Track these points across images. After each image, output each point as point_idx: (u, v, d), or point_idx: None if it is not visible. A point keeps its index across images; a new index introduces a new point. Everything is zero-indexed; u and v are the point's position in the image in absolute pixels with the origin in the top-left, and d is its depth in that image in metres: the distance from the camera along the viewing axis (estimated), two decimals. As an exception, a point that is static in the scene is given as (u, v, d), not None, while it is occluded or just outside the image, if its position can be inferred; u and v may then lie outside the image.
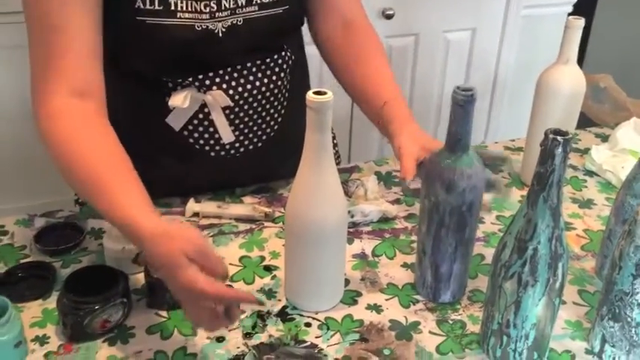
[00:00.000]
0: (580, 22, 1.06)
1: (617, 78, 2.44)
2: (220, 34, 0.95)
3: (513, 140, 1.35)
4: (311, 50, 1.15)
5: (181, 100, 0.97)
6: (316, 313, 0.87)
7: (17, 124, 1.94)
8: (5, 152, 2.00)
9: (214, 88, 0.98)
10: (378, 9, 2.12)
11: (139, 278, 0.90)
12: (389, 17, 2.13)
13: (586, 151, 1.28)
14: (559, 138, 0.67)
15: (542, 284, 0.73)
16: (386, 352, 0.81)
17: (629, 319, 0.76)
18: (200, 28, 0.93)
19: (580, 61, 1.13)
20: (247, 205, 1.08)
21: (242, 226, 1.04)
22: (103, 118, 0.88)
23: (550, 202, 0.71)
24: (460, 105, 0.77)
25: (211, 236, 1.01)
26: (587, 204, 1.13)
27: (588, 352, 0.82)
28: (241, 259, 0.97)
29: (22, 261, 0.94)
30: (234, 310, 0.75)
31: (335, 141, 1.25)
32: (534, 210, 0.72)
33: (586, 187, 1.19)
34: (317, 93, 0.76)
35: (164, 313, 0.86)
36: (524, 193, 1.15)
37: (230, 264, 0.96)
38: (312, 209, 0.81)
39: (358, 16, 1.12)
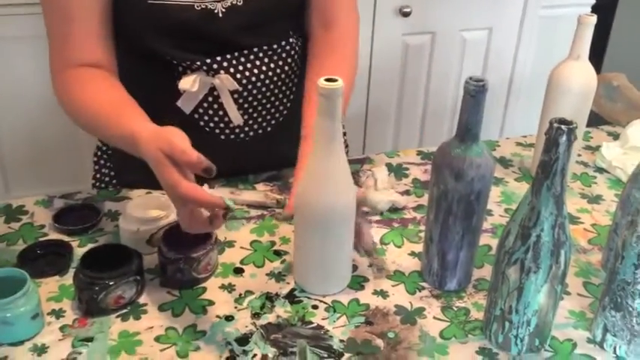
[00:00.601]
0: (592, 19, 1.07)
1: (637, 77, 2.43)
2: (220, 14, 0.98)
3: (525, 137, 1.36)
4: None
5: (190, 84, 1.00)
6: (324, 297, 0.89)
7: (37, 114, 1.98)
8: (26, 142, 2.04)
9: (222, 72, 1.01)
10: (395, 6, 2.13)
11: (153, 258, 0.92)
12: (406, 15, 2.15)
13: (597, 148, 1.28)
14: (563, 127, 0.69)
15: (544, 271, 0.74)
16: (390, 335, 0.83)
17: (630, 309, 0.77)
18: (200, 8, 0.96)
19: (600, 61, 1.13)
20: (259, 192, 1.10)
21: (254, 212, 1.06)
22: (113, 76, 0.97)
23: (554, 190, 0.72)
24: (471, 95, 0.79)
25: (224, 221, 1.04)
26: (595, 199, 1.14)
27: (590, 341, 0.83)
28: (252, 243, 0.99)
29: (40, 239, 0.97)
30: (219, 218, 0.80)
31: (344, 130, 1.26)
32: (538, 198, 0.73)
33: (595, 183, 1.19)
34: (328, 80, 0.77)
35: (176, 292, 0.89)
36: (534, 187, 1.17)
37: (241, 247, 0.98)
38: (322, 195, 0.83)
39: (342, 20, 1.10)
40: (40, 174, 2.09)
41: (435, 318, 0.86)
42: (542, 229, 0.73)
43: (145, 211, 0.96)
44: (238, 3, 0.98)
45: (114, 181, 1.17)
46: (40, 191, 2.02)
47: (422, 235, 1.02)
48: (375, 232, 1.03)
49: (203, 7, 0.97)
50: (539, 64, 2.40)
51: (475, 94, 0.79)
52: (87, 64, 0.95)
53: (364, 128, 2.31)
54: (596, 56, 1.11)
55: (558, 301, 0.78)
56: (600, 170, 1.24)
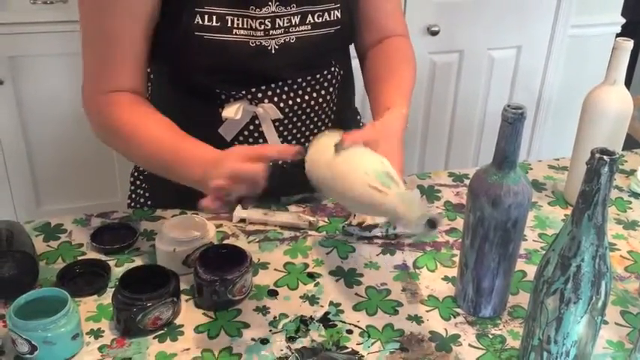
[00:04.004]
0: (629, 44, 1.06)
1: (666, 100, 2.41)
2: (273, 51, 0.99)
3: (557, 159, 1.35)
4: (355, 63, 1.18)
5: (234, 112, 1.01)
6: (357, 322, 0.89)
7: (69, 129, 2.02)
8: (56, 157, 2.08)
9: (266, 101, 1.02)
10: (423, 25, 2.14)
11: (188, 279, 0.93)
12: (434, 34, 2.15)
13: (632, 172, 1.27)
14: (605, 157, 0.68)
15: (584, 302, 0.74)
16: (426, 362, 0.83)
17: (672, 341, 0.76)
18: (254, 45, 0.97)
19: (628, 83, 1.13)
20: (292, 214, 1.11)
21: (287, 234, 1.07)
22: (148, 104, 0.98)
23: (595, 220, 0.72)
24: (509, 122, 0.79)
25: (257, 242, 1.05)
26: (631, 225, 1.13)
27: (629, 372, 0.82)
28: (285, 265, 1.00)
29: (79, 258, 0.99)
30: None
31: (359, 116, 1.26)
32: (579, 227, 0.72)
33: (631, 208, 1.18)
34: None
35: (211, 314, 0.89)
36: (568, 212, 1.16)
37: (275, 269, 0.99)
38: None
39: (398, 32, 1.13)
40: (71, 188, 2.13)
41: (470, 345, 0.86)
42: (583, 259, 0.73)
43: (181, 232, 0.97)
44: (291, 40, 0.99)
45: (149, 202, 1.19)
46: (71, 205, 2.09)
47: (455, 259, 1.02)
48: (408, 256, 1.03)
49: (258, 43, 0.97)
50: (568, 83, 2.39)
51: (513, 121, 0.80)
52: (124, 89, 0.96)
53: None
54: (625, 78, 1.10)
55: (598, 332, 0.77)
56: (635, 195, 1.22)
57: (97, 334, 0.85)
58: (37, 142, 2.05)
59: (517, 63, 2.33)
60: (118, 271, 0.96)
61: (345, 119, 1.16)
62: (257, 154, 0.81)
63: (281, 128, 1.05)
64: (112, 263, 0.98)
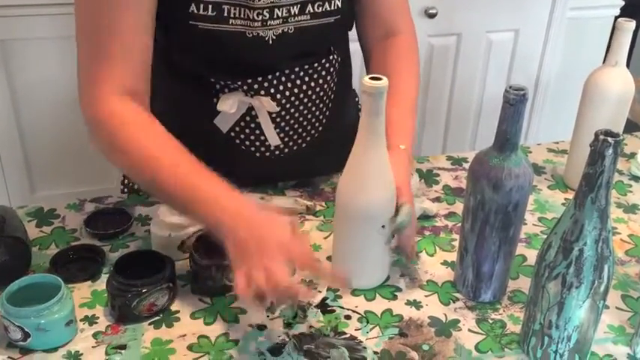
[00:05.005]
0: (630, 25, 1.05)
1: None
2: (271, 42, 0.95)
3: (557, 143, 1.34)
4: (354, 47, 1.15)
5: (229, 106, 0.98)
6: (356, 307, 0.88)
7: (61, 114, 1.98)
8: (50, 141, 2.05)
9: (262, 92, 0.99)
10: (421, 8, 2.11)
11: (184, 265, 0.92)
12: (431, 16, 2.13)
13: (632, 155, 1.26)
14: (610, 139, 0.67)
15: (586, 286, 0.73)
16: (425, 347, 0.82)
17: (674, 326, 0.76)
18: (251, 35, 0.94)
19: (627, 64, 1.11)
20: (289, 198, 1.09)
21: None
22: (150, 115, 0.89)
23: (598, 203, 0.70)
24: (511, 104, 0.77)
25: (254, 227, 1.03)
26: (631, 209, 1.12)
27: (631, 357, 0.81)
28: (283, 250, 0.98)
29: (72, 244, 0.97)
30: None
31: None
32: (582, 211, 0.71)
33: (631, 191, 1.17)
34: (372, 78, 0.78)
35: (207, 300, 0.88)
36: (568, 196, 1.15)
37: (272, 255, 0.97)
38: (363, 189, 0.84)
39: (403, 28, 1.09)
40: (65, 173, 2.10)
41: (470, 330, 0.85)
42: (586, 243, 0.71)
43: (176, 217, 0.95)
44: (289, 31, 0.96)
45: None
46: (65, 190, 2.06)
47: (454, 243, 1.01)
48: (407, 241, 1.01)
49: (255, 34, 0.94)
50: (566, 66, 2.37)
51: (515, 103, 0.78)
52: (125, 91, 0.86)
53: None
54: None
55: (600, 316, 0.76)
56: (635, 178, 1.21)
57: (91, 320, 0.84)
58: (30, 127, 2.02)
59: (515, 46, 2.31)
60: (112, 257, 0.94)
61: (344, 104, 1.14)
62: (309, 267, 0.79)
63: (278, 119, 1.02)
64: (106, 249, 0.96)
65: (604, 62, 1.10)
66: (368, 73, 1.10)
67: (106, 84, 0.85)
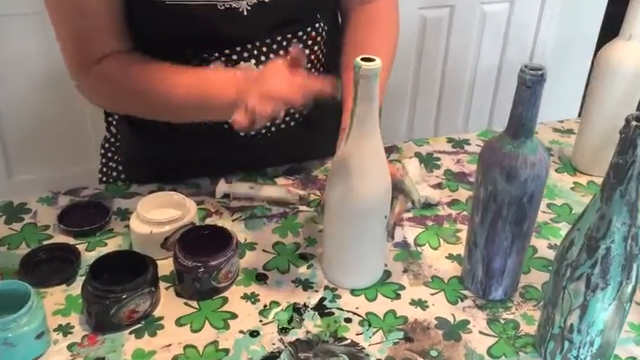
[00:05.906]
0: (647, -5, 0.97)
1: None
2: (245, 12, 0.88)
3: (562, 122, 1.26)
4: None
5: None
6: (356, 308, 0.81)
7: (39, 92, 1.89)
8: (28, 122, 1.96)
9: (242, 63, 0.92)
10: (413, -22, 2.02)
11: (168, 264, 0.84)
12: (424, -13, 2.04)
13: (642, 134, 1.19)
14: (644, 126, 0.60)
15: (613, 288, 0.66)
16: (433, 353, 0.75)
17: None
18: (222, 8, 0.87)
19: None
20: (281, 187, 1.01)
21: (275, 210, 0.98)
22: (145, 57, 0.90)
23: (628, 197, 0.63)
24: (528, 86, 0.69)
25: (243, 220, 0.95)
26: (645, 193, 1.05)
27: (655, 359, 0.75)
28: (275, 245, 0.91)
29: (45, 242, 0.89)
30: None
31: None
32: (609, 205, 0.64)
33: (643, 174, 1.10)
34: (363, 60, 0.70)
35: (194, 304, 0.81)
36: (577, 179, 1.08)
37: (263, 250, 0.90)
38: (357, 182, 0.77)
39: None
40: (43, 154, 2.01)
41: (481, 333, 0.78)
42: (613, 240, 0.64)
43: (158, 212, 0.88)
44: (265, 0, 0.88)
45: (122, 176, 1.08)
46: (44, 173, 1.97)
47: (460, 235, 0.94)
48: (408, 232, 0.94)
49: (227, 6, 0.87)
50: (562, 39, 2.29)
51: (532, 84, 0.70)
52: (112, 53, 0.89)
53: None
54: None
55: (625, 319, 0.70)
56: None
57: (65, 330, 0.76)
58: (5, 107, 1.92)
59: (509, 18, 2.23)
60: (89, 257, 0.86)
61: (337, 72, 1.05)
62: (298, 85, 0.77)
63: None
64: (81, 247, 0.88)
65: (618, 35, 1.02)
66: (342, 42, 1.02)
67: (92, 54, 0.89)
